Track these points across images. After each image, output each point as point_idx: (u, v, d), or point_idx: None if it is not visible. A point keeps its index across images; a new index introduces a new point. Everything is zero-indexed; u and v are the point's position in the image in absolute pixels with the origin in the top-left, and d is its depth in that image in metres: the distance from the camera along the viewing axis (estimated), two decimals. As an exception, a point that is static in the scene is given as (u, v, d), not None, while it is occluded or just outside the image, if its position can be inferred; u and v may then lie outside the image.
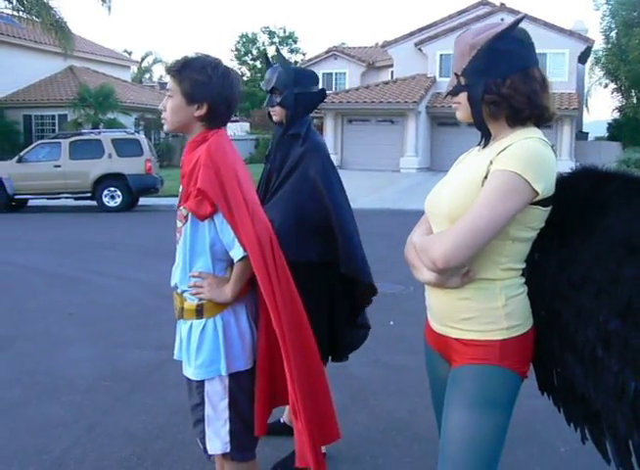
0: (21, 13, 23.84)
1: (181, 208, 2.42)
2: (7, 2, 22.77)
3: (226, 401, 2.44)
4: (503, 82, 1.86)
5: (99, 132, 18.07)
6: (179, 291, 2.48)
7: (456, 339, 1.97)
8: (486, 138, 2.00)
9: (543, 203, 1.85)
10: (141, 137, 17.58)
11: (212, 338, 2.40)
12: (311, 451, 2.37)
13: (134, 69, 43.03)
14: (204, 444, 2.48)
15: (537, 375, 2.12)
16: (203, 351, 2.42)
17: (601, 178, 1.89)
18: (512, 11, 25.40)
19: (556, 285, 1.96)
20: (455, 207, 1.88)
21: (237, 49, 48.36)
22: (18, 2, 22.21)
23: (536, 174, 1.79)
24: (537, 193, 1.79)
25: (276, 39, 47.98)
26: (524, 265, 1.96)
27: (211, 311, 2.40)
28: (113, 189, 16.21)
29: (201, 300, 2.40)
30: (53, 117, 28.08)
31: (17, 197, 16.34)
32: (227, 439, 2.45)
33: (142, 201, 17.06)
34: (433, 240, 1.90)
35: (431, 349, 2.14)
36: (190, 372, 2.47)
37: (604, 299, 1.83)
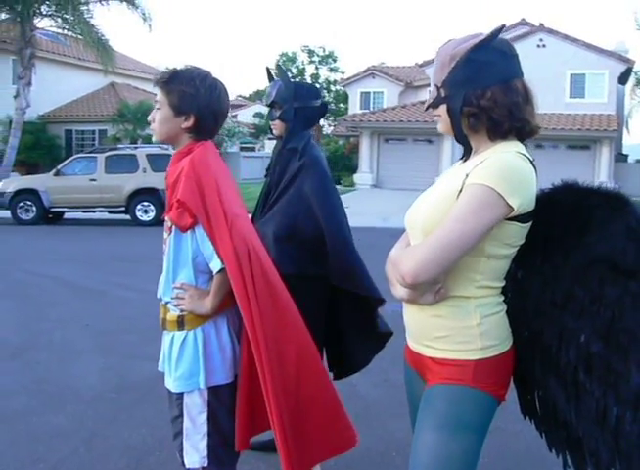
0: (65, 31, 24.49)
1: (166, 219, 2.42)
2: (52, 20, 23.41)
3: (205, 415, 2.41)
4: (483, 94, 1.81)
5: (135, 147, 18.36)
6: (163, 302, 2.48)
7: (430, 358, 1.91)
8: (467, 151, 1.96)
9: (521, 219, 1.79)
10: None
11: (192, 350, 2.38)
12: None
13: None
14: (182, 457, 2.45)
15: (519, 398, 2.05)
16: (182, 362, 2.40)
17: (582, 194, 1.83)
18: (551, 31, 25.18)
19: (539, 304, 1.89)
20: (429, 221, 1.84)
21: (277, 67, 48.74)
22: (62, 20, 22.78)
23: (511, 188, 1.73)
24: (512, 208, 1.73)
25: (315, 58, 48.39)
26: (502, 283, 1.90)
27: (192, 323, 2.39)
28: (146, 203, 16.38)
29: (182, 311, 2.39)
30: (93, 131, 28.70)
31: (53, 210, 16.67)
32: (205, 453, 2.42)
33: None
34: (403, 255, 1.85)
35: (408, 366, 2.09)
36: (170, 384, 2.45)
37: (586, 319, 1.77)
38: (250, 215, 2.64)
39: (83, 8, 22.14)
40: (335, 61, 48.95)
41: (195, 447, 2.43)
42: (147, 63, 34.83)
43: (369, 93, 32.06)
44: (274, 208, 3.17)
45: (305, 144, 3.16)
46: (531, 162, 1.84)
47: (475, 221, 1.72)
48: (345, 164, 31.24)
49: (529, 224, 1.83)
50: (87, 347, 5.72)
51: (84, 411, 4.19)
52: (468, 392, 1.83)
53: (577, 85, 24.96)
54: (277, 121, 3.19)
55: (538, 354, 1.89)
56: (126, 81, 31.57)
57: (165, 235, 2.45)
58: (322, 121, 47.87)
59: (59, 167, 16.99)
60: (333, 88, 47.39)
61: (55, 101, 28.88)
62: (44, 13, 23.08)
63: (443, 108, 1.89)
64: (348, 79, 33.68)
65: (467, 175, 1.80)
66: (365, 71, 32.02)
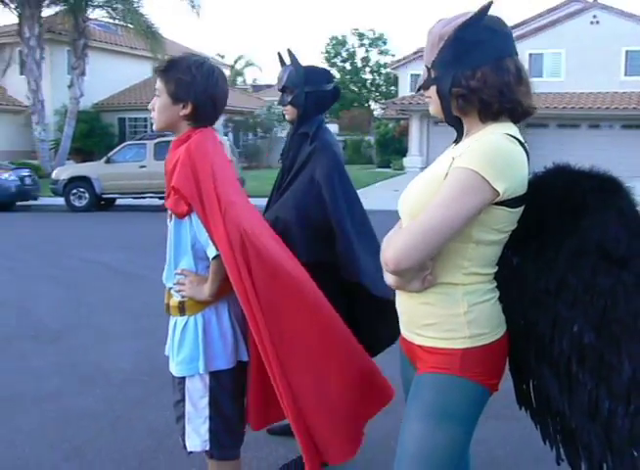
0: (116, 20, 24.90)
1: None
2: (104, 11, 23.83)
3: (206, 399, 2.44)
4: (472, 75, 1.74)
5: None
6: (167, 288, 2.51)
7: (419, 345, 1.88)
8: (459, 134, 1.89)
9: (510, 203, 1.72)
10: (222, 138, 17.87)
11: (193, 335, 2.41)
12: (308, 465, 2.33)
13: (227, 72, 44.05)
14: (184, 440, 2.49)
15: (515, 388, 2.00)
16: (184, 347, 2.43)
17: (575, 177, 1.76)
18: (605, 7, 24.40)
19: (534, 292, 1.83)
20: (416, 205, 1.80)
21: (327, 51, 48.69)
22: (113, 10, 23.16)
23: (496, 172, 1.66)
24: (498, 192, 1.67)
25: (365, 41, 48.03)
26: (493, 270, 1.85)
27: (193, 309, 2.41)
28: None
29: (183, 297, 2.42)
30: (145, 119, 29.10)
31: (105, 196, 17.03)
32: (206, 437, 2.45)
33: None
34: (387, 240, 1.82)
35: (403, 354, 2.07)
36: (172, 368, 2.49)
37: (579, 308, 1.72)
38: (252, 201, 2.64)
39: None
40: (385, 43, 48.57)
41: (196, 431, 2.46)
42: (197, 50, 35.13)
43: (419, 75, 31.59)
44: (286, 193, 3.16)
45: (317, 129, 3.13)
46: (522, 144, 1.77)
47: (458, 206, 1.66)
48: (396, 147, 31.03)
49: (520, 209, 1.77)
50: (122, 331, 5.84)
51: (113, 394, 4.29)
52: (455, 381, 1.79)
53: (633, 63, 24.25)
54: (289, 106, 3.18)
55: (533, 344, 1.84)
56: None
57: (168, 222, 2.47)
58: (372, 104, 47.53)
59: (109, 155, 17.31)
60: (383, 71, 46.99)
61: (108, 90, 29.42)
62: (95, 4, 23.51)
63: (434, 89, 1.83)
64: (398, 61, 33.35)
65: (453, 158, 1.76)
66: (414, 54, 31.58)
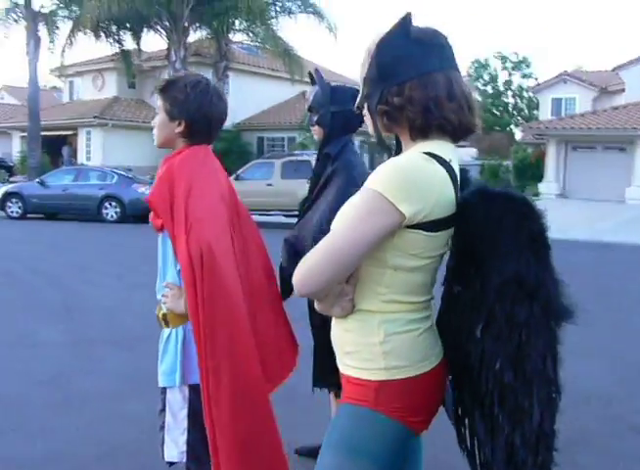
0: (257, 43, 26.00)
1: None
2: (245, 35, 24.95)
3: (185, 411, 2.48)
4: (398, 91, 1.65)
5: (312, 154, 18.97)
6: (158, 299, 2.59)
7: (342, 373, 1.80)
8: (388, 154, 1.82)
9: (426, 227, 1.60)
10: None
11: (174, 348, 2.46)
12: None
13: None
14: (162, 450, 2.54)
15: (455, 428, 1.85)
16: (165, 359, 2.49)
17: (490, 199, 1.63)
18: None
19: (470, 323, 1.68)
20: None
21: (469, 74, 48.10)
22: (253, 34, 24.19)
23: (402, 194, 1.54)
24: (404, 215, 1.55)
25: (508, 64, 47.02)
26: (419, 298, 1.71)
27: (175, 322, 2.46)
28: (338, 208, 16.81)
29: (168, 309, 2.48)
30: (282, 138, 30.01)
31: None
32: (184, 448, 2.49)
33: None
34: (302, 261, 1.71)
35: None
36: (158, 377, 2.55)
37: (501, 342, 1.61)
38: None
39: (271, 21, 23.34)
40: (528, 66, 47.31)
41: (175, 442, 2.50)
42: (335, 71, 35.83)
43: (560, 99, 30.61)
44: (308, 212, 3.17)
45: (341, 149, 3.13)
46: (445, 163, 1.64)
47: (362, 229, 1.56)
48: (533, 172, 30.02)
49: (443, 233, 1.65)
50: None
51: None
52: (369, 415, 1.67)
53: None
54: (316, 126, 3.19)
55: (467, 381, 1.71)
56: (316, 90, 32.65)
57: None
58: (514, 129, 46.25)
59: (238, 172, 17.98)
60: (526, 95, 45.74)
61: (249, 110, 30.59)
62: (237, 28, 24.65)
63: (366, 107, 1.76)
64: (539, 85, 32.37)
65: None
66: (557, 77, 30.60)
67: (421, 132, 1.68)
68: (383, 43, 1.68)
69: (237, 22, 24.14)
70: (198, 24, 24.32)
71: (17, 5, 26.06)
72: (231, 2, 21.85)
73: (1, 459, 3.59)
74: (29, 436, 3.89)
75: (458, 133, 1.71)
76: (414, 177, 1.57)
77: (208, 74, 27.62)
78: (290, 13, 23.72)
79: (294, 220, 14.22)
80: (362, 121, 3.27)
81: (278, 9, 23.81)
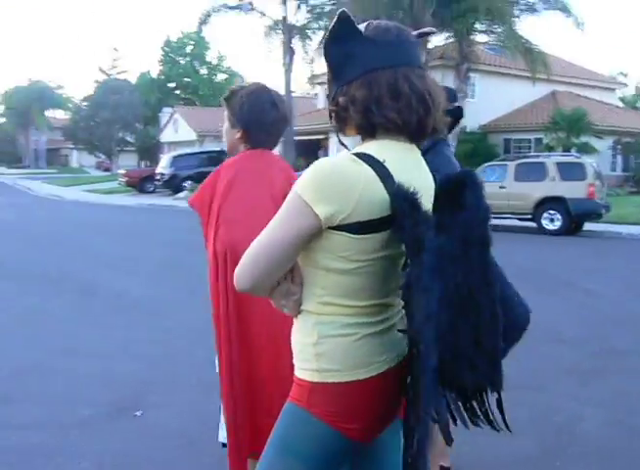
0: (499, 43, 25.45)
1: None
2: (486, 35, 24.53)
3: None
4: (345, 90, 1.63)
5: (548, 156, 18.13)
6: None
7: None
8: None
9: (350, 229, 1.55)
10: (586, 161, 16.98)
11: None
12: None
13: (622, 91, 41.43)
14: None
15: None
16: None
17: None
18: None
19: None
20: None
21: None
22: (493, 34, 23.72)
23: (318, 195, 1.52)
24: (319, 217, 1.52)
25: None
26: (360, 303, 1.63)
27: None
28: (552, 212, 16.07)
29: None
30: (529, 140, 28.97)
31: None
32: None
33: (587, 226, 16.56)
34: None
35: None
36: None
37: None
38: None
39: (513, 19, 22.66)
40: None
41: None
42: (589, 68, 33.72)
43: None
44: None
45: (426, 149, 3.07)
46: (377, 164, 1.57)
47: (283, 230, 1.57)
48: None
49: (374, 236, 1.57)
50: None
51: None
52: (301, 414, 1.65)
53: None
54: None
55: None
56: (568, 89, 31.04)
57: None
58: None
59: (472, 174, 17.66)
60: None
61: (496, 111, 29.96)
62: (478, 29, 24.30)
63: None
64: None
65: None
66: None
67: (366, 132, 1.65)
68: (327, 43, 1.67)
69: (477, 23, 23.84)
70: (440, 28, 24.43)
71: (276, 22, 28.38)
72: (469, 4, 21.61)
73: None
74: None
75: (410, 133, 1.64)
76: (332, 178, 1.54)
77: (451, 77, 27.70)
78: (534, 11, 22.80)
79: (527, 224, 13.47)
80: (457, 120, 3.21)
81: (522, 7, 23.02)
